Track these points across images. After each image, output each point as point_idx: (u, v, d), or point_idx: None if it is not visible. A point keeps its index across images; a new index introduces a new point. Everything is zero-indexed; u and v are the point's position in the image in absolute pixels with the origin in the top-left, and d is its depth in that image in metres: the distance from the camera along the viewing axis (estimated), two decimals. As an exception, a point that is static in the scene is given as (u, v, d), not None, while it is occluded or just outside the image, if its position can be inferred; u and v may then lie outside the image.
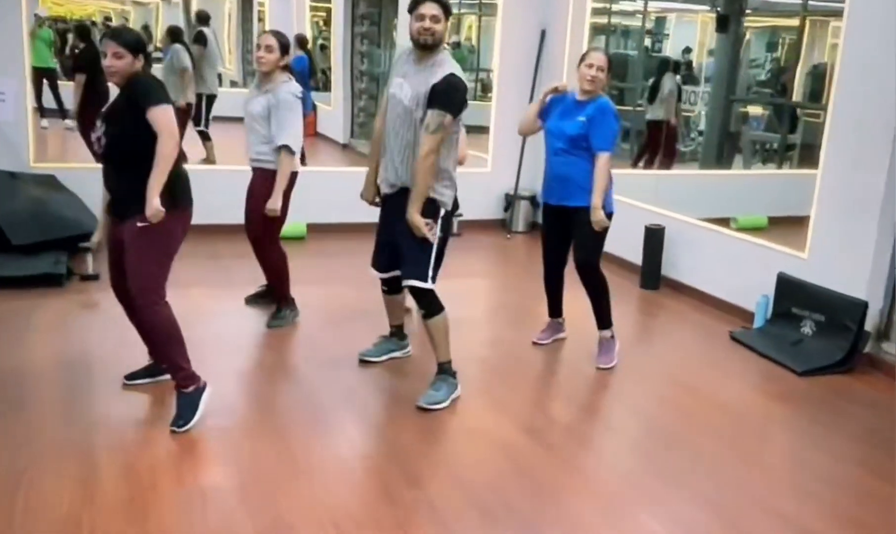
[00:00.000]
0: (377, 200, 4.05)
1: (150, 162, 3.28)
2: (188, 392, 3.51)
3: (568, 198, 4.34)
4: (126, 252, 3.43)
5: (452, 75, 3.63)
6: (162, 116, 3.25)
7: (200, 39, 8.83)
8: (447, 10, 3.68)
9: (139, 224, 3.33)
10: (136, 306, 3.49)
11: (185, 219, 3.50)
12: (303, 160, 4.78)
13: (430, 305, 3.83)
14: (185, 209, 3.50)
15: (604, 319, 4.51)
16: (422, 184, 3.64)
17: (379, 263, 4.05)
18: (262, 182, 4.56)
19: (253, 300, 5.05)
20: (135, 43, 3.37)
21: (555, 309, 4.74)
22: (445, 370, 3.92)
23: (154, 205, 3.22)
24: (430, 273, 3.76)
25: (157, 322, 3.46)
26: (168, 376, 3.63)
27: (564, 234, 4.45)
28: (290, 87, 4.50)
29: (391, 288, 4.13)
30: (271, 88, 4.48)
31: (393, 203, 3.85)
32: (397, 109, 3.74)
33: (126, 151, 3.36)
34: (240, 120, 4.72)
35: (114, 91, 3.49)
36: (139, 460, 3.21)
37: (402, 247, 3.80)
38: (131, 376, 3.86)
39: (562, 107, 4.36)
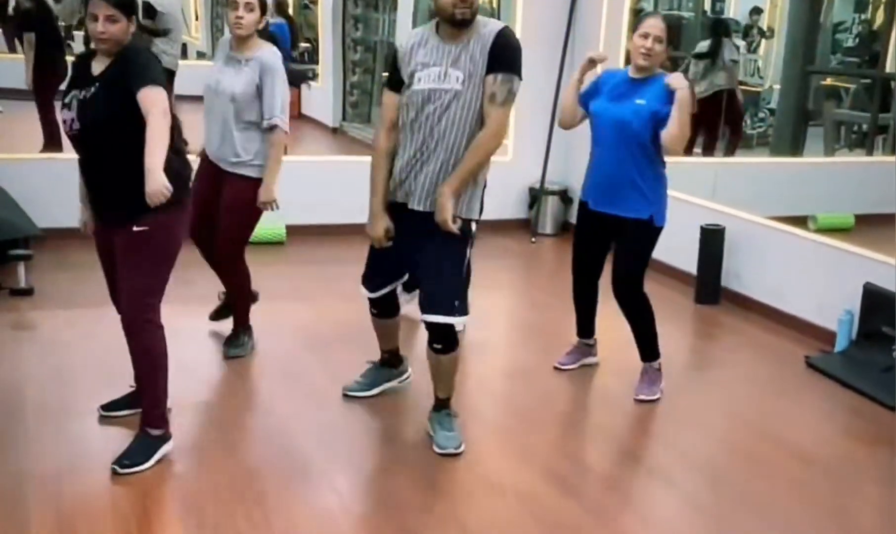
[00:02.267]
0: (390, 231, 3.81)
1: (143, 151, 3.28)
2: (152, 435, 3.60)
3: (616, 205, 4.29)
4: (118, 264, 3.49)
5: (505, 28, 3.67)
6: (153, 96, 3.25)
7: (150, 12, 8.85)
8: None
9: (135, 229, 3.39)
10: (124, 327, 3.54)
11: (185, 215, 3.60)
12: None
13: (451, 340, 3.80)
14: (186, 204, 3.59)
15: (648, 351, 4.48)
16: (475, 167, 3.64)
17: (373, 282, 3.99)
18: (243, 192, 4.45)
19: (217, 315, 5.05)
20: (129, 2, 3.41)
21: (585, 328, 4.73)
22: (447, 406, 3.95)
23: (157, 180, 3.10)
24: (459, 304, 3.73)
25: (149, 347, 3.56)
26: None
27: (604, 244, 4.45)
28: (274, 51, 4.49)
29: (382, 311, 4.10)
30: (254, 56, 4.41)
31: (419, 218, 3.74)
32: (445, 102, 3.63)
33: (111, 138, 3.39)
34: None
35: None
36: (78, 518, 3.22)
37: (428, 272, 3.78)
38: (109, 406, 3.93)
39: (611, 85, 4.30)
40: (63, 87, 3.58)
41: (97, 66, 3.44)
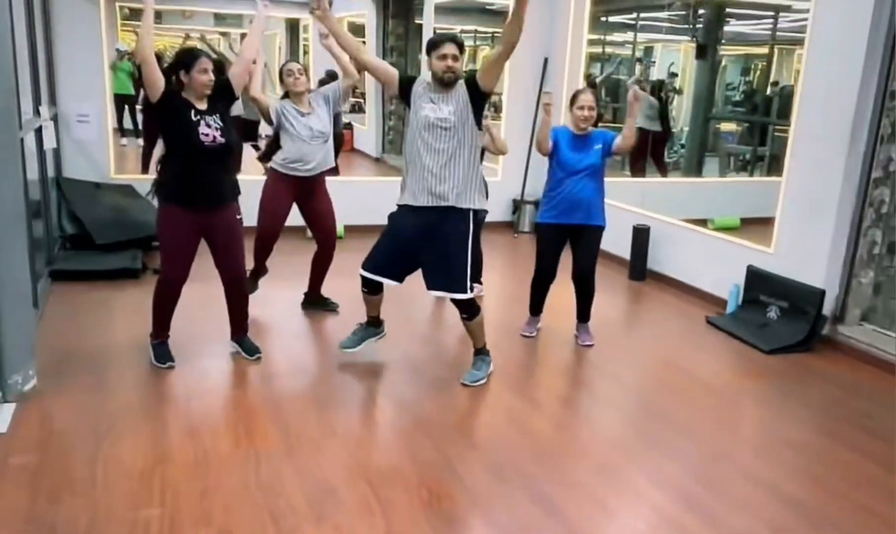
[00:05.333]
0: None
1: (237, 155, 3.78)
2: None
3: (586, 217, 4.28)
4: (230, 238, 3.71)
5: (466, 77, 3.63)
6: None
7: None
8: (463, 49, 3.63)
9: (238, 215, 3.73)
10: (237, 280, 3.80)
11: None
12: (336, 171, 4.76)
13: (470, 309, 3.76)
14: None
15: (589, 314, 4.54)
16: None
17: (377, 266, 3.73)
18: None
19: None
20: (218, 62, 3.86)
21: (539, 307, 4.65)
22: (483, 352, 3.93)
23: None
24: (469, 283, 3.65)
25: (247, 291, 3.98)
26: None
27: (561, 249, 4.42)
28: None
29: (371, 289, 3.86)
30: (310, 106, 4.48)
31: (428, 218, 3.60)
32: (434, 130, 3.56)
33: (234, 147, 3.67)
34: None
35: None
36: (202, 426, 3.26)
37: (438, 263, 3.62)
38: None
39: (566, 140, 4.25)
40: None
41: (200, 104, 3.56)
